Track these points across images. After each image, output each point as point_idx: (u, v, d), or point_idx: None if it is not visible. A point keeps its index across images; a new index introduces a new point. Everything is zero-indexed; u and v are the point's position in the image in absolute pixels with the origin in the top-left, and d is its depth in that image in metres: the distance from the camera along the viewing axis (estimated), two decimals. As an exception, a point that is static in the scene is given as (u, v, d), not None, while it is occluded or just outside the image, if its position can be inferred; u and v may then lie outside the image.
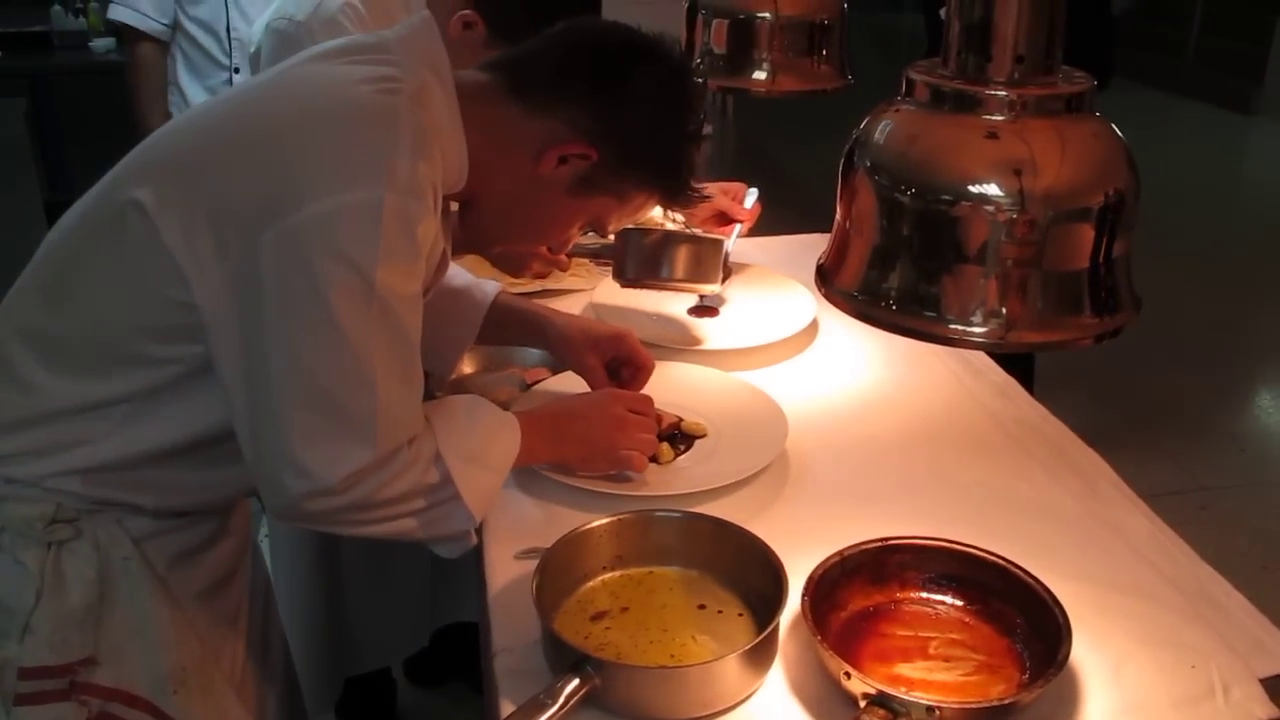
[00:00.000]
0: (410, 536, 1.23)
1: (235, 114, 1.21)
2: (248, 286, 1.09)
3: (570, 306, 1.97)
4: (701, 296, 1.92)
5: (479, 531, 1.38)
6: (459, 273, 1.60)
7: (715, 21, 1.55)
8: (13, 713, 1.20)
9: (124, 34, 3.00)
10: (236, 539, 1.41)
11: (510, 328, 1.62)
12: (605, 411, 1.43)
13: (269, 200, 1.08)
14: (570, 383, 1.64)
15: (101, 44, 5.46)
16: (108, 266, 1.16)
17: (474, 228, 1.33)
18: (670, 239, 1.80)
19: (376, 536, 1.21)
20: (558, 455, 1.41)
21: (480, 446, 1.26)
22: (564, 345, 1.59)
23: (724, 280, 1.79)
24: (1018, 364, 1.89)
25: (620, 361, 1.58)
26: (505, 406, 1.54)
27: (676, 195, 1.36)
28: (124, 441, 1.19)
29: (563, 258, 1.74)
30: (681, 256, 1.77)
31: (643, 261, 1.78)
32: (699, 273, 1.77)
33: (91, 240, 1.19)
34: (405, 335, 1.15)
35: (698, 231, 2.03)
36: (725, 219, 2.06)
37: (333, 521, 1.17)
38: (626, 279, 1.80)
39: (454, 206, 1.32)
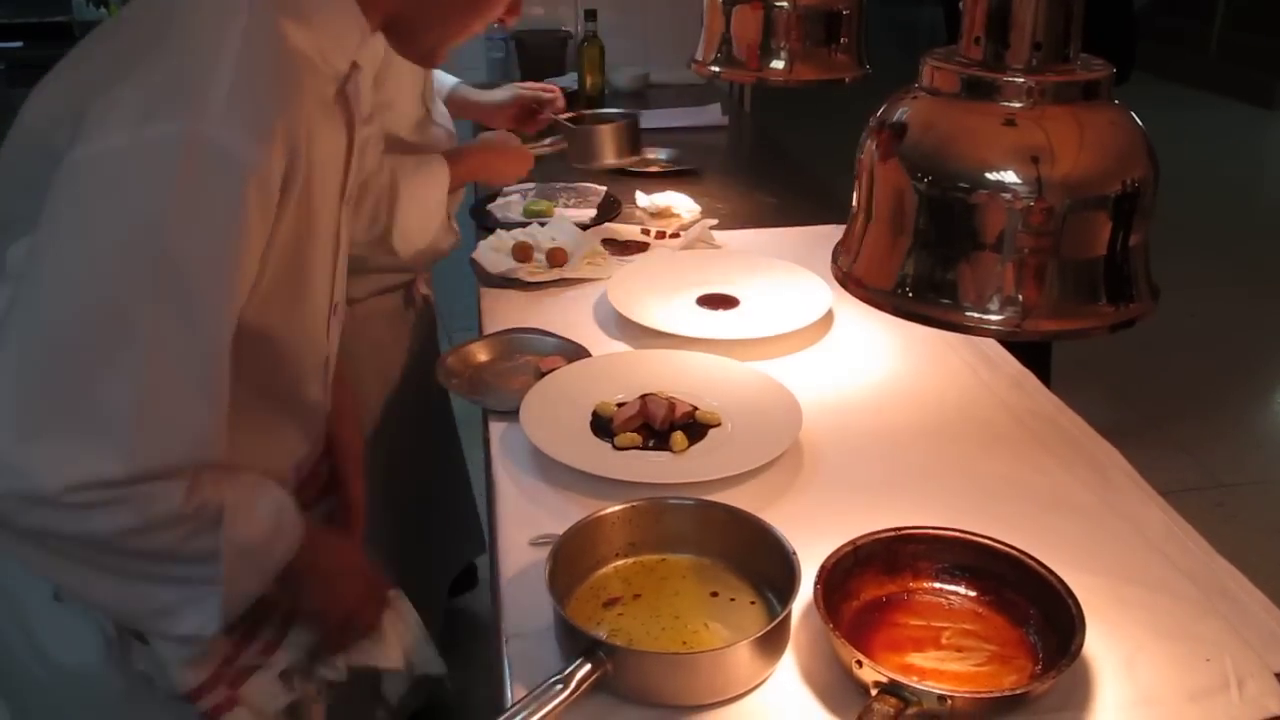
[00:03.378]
0: (133, 607, 1.03)
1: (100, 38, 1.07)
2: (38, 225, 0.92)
3: (586, 296, 1.97)
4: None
5: (492, 519, 1.39)
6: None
7: (733, 10, 1.54)
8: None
9: None
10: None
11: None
12: (350, 588, 1.28)
13: (72, 129, 0.92)
14: (589, 370, 1.64)
15: (122, 33, 5.47)
16: None
17: (410, 43, 1.16)
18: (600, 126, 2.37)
19: (96, 596, 1.02)
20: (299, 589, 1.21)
21: (265, 539, 1.07)
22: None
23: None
24: (1035, 357, 1.88)
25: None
26: (520, 394, 1.56)
27: None
28: None
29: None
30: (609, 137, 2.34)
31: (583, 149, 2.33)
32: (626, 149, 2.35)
33: None
34: (198, 320, 0.93)
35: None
36: (531, 111, 2.39)
37: (44, 541, 0.96)
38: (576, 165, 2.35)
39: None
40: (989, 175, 0.79)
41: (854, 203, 0.92)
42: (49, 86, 1.05)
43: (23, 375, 0.89)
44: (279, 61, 0.98)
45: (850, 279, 0.91)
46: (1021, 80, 0.81)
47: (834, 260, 0.94)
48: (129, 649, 1.17)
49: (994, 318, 0.81)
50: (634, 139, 2.36)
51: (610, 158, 2.36)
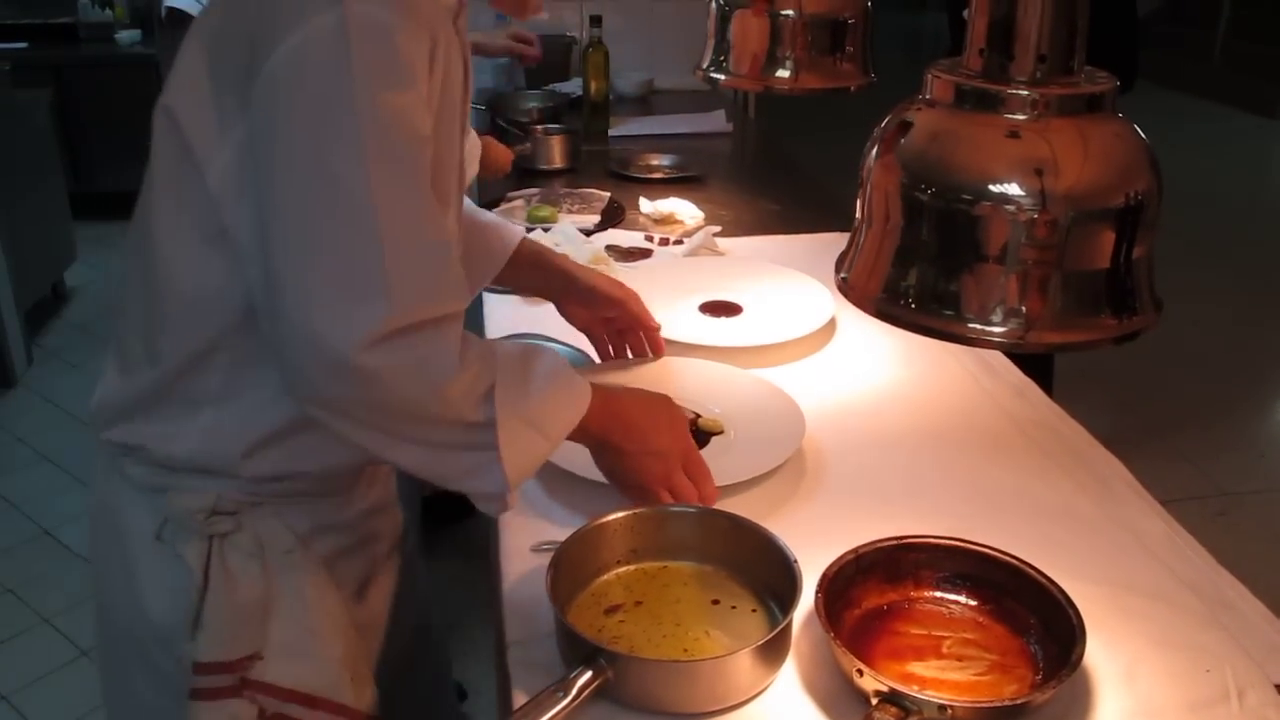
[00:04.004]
0: (439, 476, 1.11)
1: None
2: (249, 150, 1.03)
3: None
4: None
5: (494, 525, 1.39)
6: (483, 212, 1.62)
7: (738, 18, 1.54)
8: (189, 707, 1.18)
9: (167, 21, 2.98)
10: (387, 542, 1.38)
11: (529, 271, 1.60)
12: (670, 417, 1.33)
13: (251, 55, 1.01)
14: (592, 377, 1.64)
15: (127, 36, 5.50)
16: (163, 196, 1.12)
17: None
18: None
19: (406, 464, 1.09)
20: (607, 437, 1.28)
21: (540, 408, 1.13)
22: (574, 294, 1.62)
23: None
24: (1037, 367, 1.89)
25: (624, 325, 1.62)
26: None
27: None
28: (245, 403, 1.14)
29: None
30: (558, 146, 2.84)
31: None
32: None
33: (150, 177, 1.14)
34: (411, 167, 1.03)
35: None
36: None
37: (354, 415, 1.04)
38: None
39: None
40: (993, 187, 0.80)
41: (857, 213, 0.92)
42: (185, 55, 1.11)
43: (297, 265, 1.00)
44: None
45: (853, 289, 0.91)
46: (1025, 92, 0.81)
47: (837, 270, 0.95)
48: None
49: (997, 330, 0.81)
50: (576, 149, 2.88)
51: (558, 162, 2.83)
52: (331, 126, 0.98)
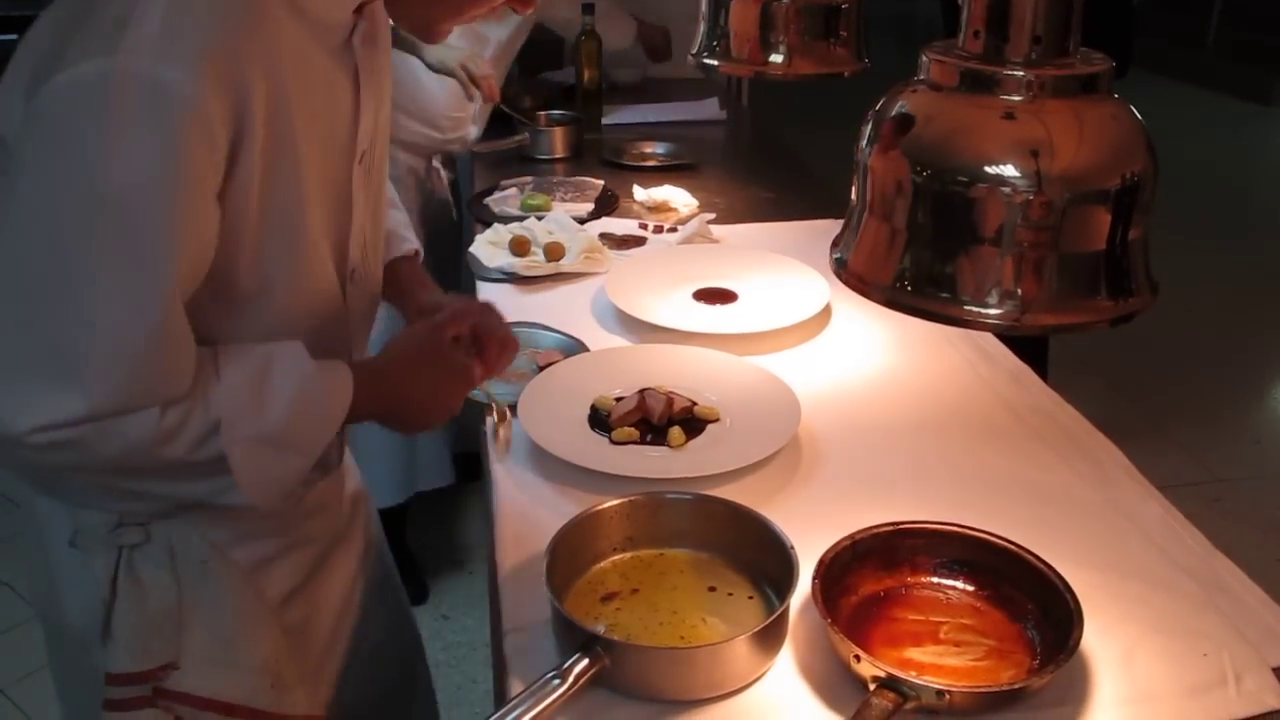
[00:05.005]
0: (185, 496, 1.08)
1: None
2: None
3: (584, 290, 1.97)
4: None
5: (490, 513, 1.39)
6: (393, 216, 1.48)
7: (732, 3, 1.53)
8: (103, 718, 1.16)
9: None
10: (323, 544, 1.33)
11: (390, 286, 1.41)
12: (436, 372, 1.23)
13: (31, 82, 0.92)
14: (587, 364, 1.64)
15: None
16: None
17: (406, 11, 1.16)
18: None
19: (152, 493, 1.07)
20: (384, 417, 1.22)
21: (283, 427, 1.05)
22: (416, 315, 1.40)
23: None
24: (1032, 353, 1.88)
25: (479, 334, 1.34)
26: (517, 389, 1.55)
27: None
28: None
29: None
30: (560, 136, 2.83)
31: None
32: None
33: None
34: (146, 258, 0.93)
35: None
36: None
37: (43, 472, 1.05)
38: None
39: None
40: (988, 169, 0.79)
41: (852, 196, 0.91)
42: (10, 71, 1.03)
43: None
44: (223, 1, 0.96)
45: (848, 273, 0.90)
46: (1021, 74, 0.81)
47: (832, 254, 0.94)
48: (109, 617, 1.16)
49: (993, 311, 0.81)
50: (579, 138, 2.86)
51: (560, 151, 2.81)
52: (69, 190, 0.90)
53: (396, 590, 1.56)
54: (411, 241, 1.48)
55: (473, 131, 2.70)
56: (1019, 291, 0.80)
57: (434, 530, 3.05)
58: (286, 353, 1.08)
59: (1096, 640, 1.14)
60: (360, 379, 1.13)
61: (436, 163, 2.73)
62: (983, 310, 0.81)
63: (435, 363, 1.24)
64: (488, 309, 1.35)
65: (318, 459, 1.11)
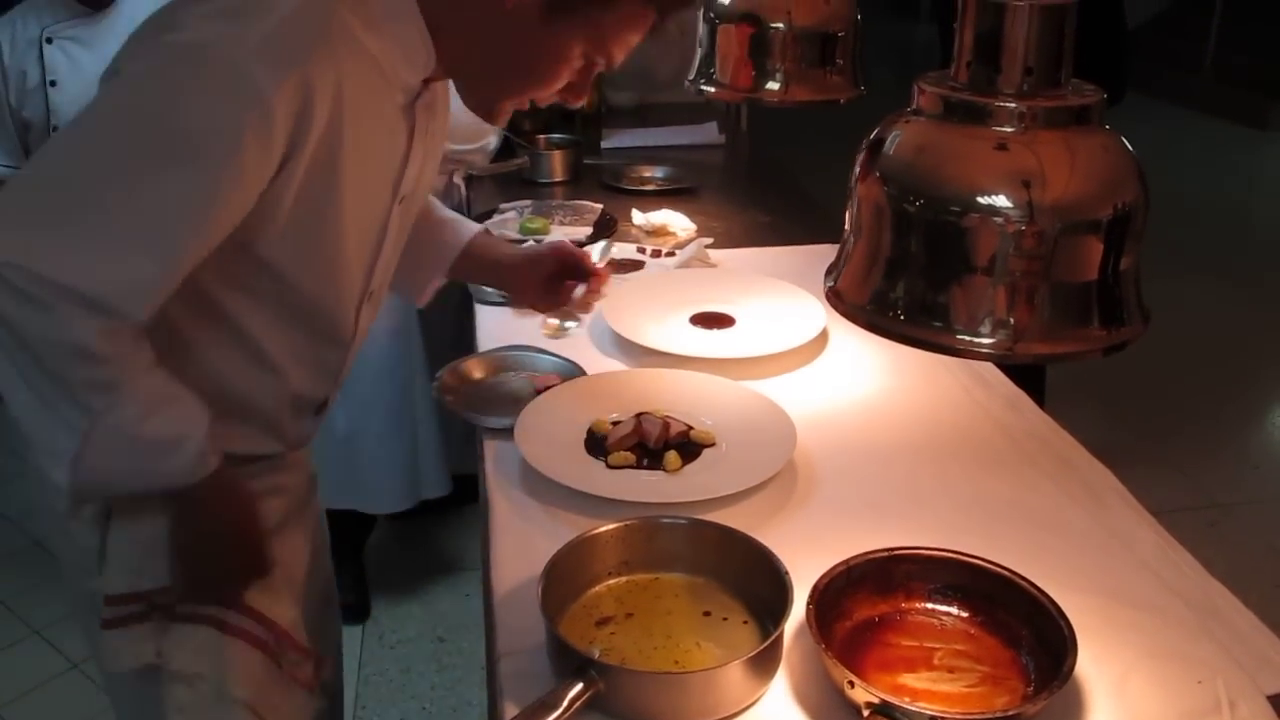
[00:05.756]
0: (30, 431, 1.15)
1: None
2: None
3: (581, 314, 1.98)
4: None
5: (486, 536, 1.39)
6: (442, 207, 1.69)
7: (729, 31, 1.55)
8: (102, 637, 1.25)
9: None
10: (292, 497, 1.42)
11: (474, 263, 1.66)
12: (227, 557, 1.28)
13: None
14: (584, 388, 1.65)
15: None
16: None
17: (471, 91, 1.28)
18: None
19: (9, 391, 1.13)
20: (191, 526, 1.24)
21: (151, 445, 1.14)
22: (510, 274, 1.68)
23: None
24: (1029, 378, 1.89)
25: (566, 273, 1.66)
26: (515, 412, 1.56)
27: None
28: None
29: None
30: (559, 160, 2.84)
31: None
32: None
33: None
34: (178, 194, 1.05)
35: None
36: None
37: None
38: None
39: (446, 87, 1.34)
40: (981, 199, 0.80)
41: (846, 225, 0.92)
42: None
43: (37, 172, 1.09)
44: (329, 33, 1.11)
45: (843, 300, 0.91)
46: (1013, 105, 0.82)
47: (827, 281, 0.95)
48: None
49: (985, 341, 0.82)
50: (578, 161, 2.88)
51: (559, 175, 2.82)
52: (145, 113, 1.06)
53: (330, 582, 1.61)
54: (475, 225, 1.70)
55: (493, 141, 2.69)
56: (1012, 321, 0.81)
57: (430, 553, 3.05)
58: (201, 414, 1.17)
59: (1091, 666, 1.14)
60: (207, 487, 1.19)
61: (458, 178, 2.73)
62: (976, 339, 0.82)
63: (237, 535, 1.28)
64: (567, 249, 1.66)
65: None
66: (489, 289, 2.01)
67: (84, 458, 1.10)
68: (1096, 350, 0.84)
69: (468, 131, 2.61)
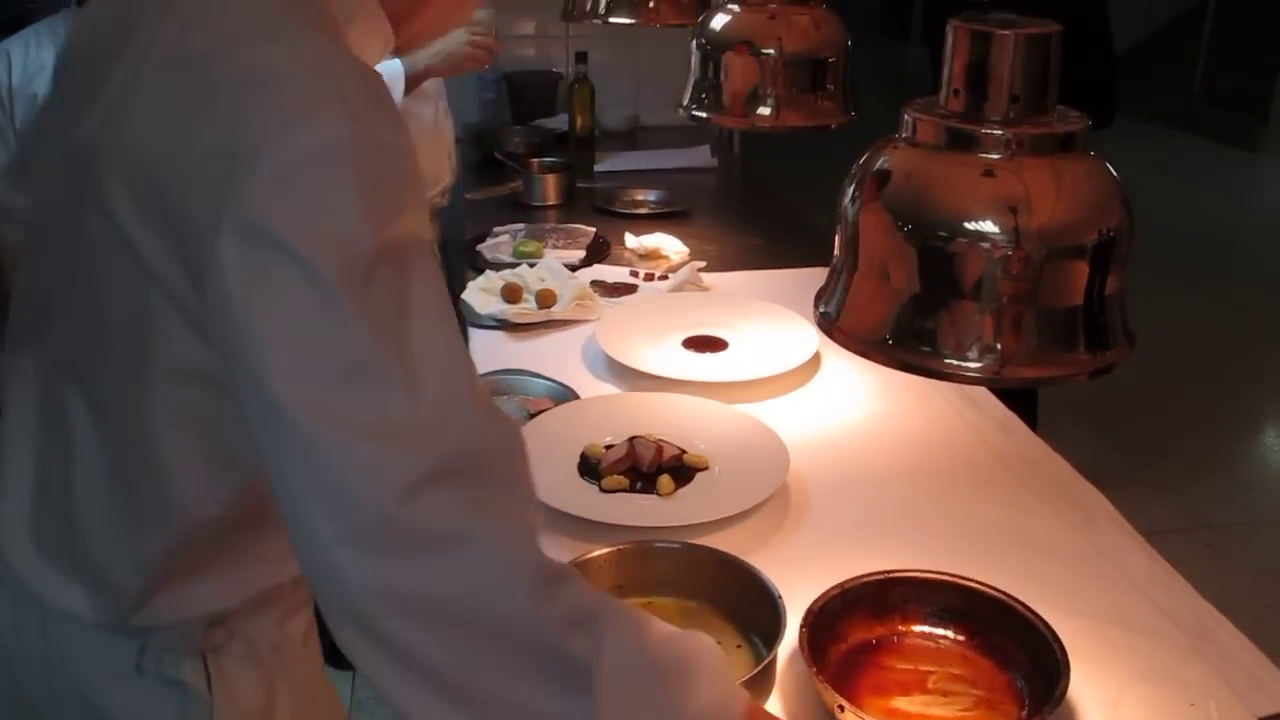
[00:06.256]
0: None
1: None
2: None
3: (575, 337, 1.98)
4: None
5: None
6: None
7: (721, 56, 1.56)
8: None
9: None
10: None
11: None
12: None
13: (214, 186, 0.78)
14: (577, 411, 1.65)
15: None
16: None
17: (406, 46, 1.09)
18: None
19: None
20: None
21: (663, 678, 0.82)
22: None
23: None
24: (1022, 400, 1.90)
25: None
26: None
27: None
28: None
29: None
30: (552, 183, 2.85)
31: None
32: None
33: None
34: (433, 294, 0.81)
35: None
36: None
37: (410, 617, 0.75)
38: None
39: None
40: (968, 225, 0.81)
41: (836, 250, 0.93)
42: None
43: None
44: (355, 59, 0.88)
45: (832, 326, 0.92)
46: (1000, 132, 0.83)
47: (816, 306, 0.95)
48: None
49: (973, 365, 0.82)
50: (571, 185, 2.87)
51: (552, 198, 2.82)
52: (340, 264, 0.76)
53: None
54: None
55: (449, 181, 2.60)
56: (999, 345, 0.82)
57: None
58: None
59: (1084, 688, 1.14)
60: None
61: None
62: (963, 363, 0.82)
63: None
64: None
65: None
66: (484, 315, 2.02)
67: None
68: (1082, 374, 0.85)
69: (425, 178, 2.55)
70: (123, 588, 1.00)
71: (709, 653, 0.88)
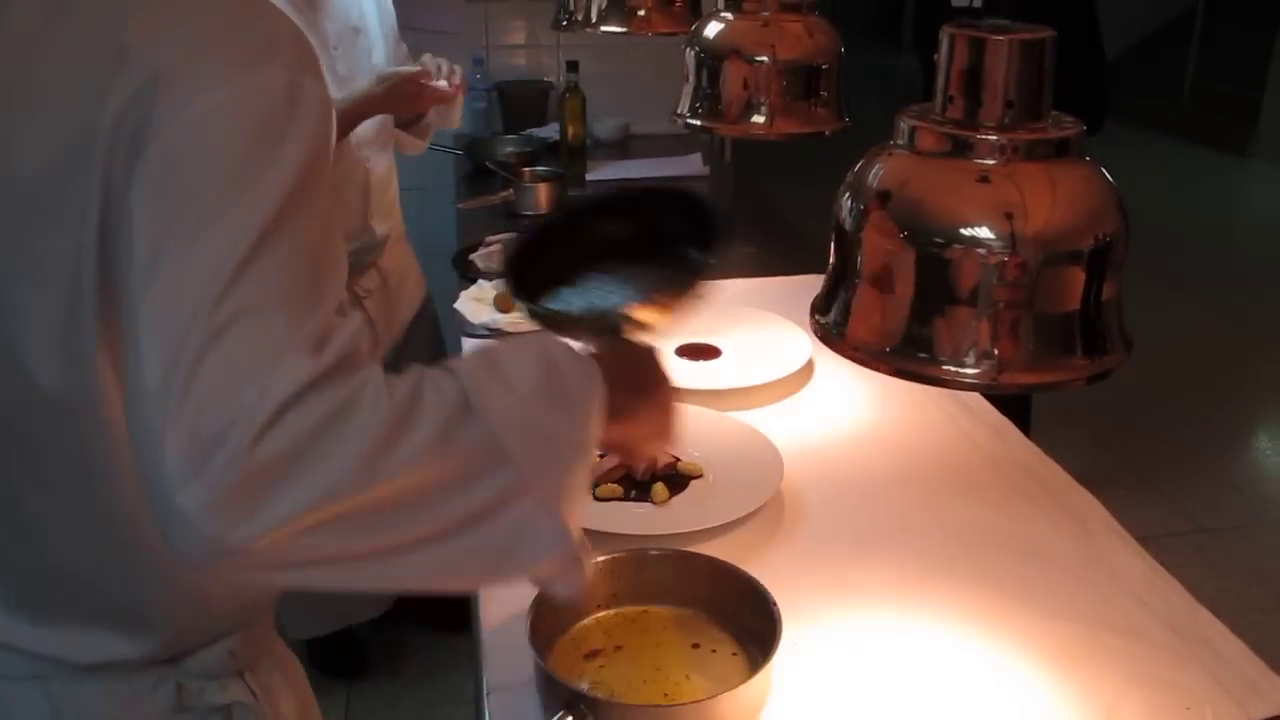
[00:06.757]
0: (468, 569, 0.82)
1: None
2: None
3: (568, 345, 1.98)
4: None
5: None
6: None
7: (714, 64, 1.56)
8: None
9: None
10: None
11: None
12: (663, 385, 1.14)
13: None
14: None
15: None
16: None
17: None
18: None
19: (418, 575, 0.79)
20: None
21: (537, 383, 0.83)
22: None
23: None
24: (1015, 406, 1.90)
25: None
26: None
27: None
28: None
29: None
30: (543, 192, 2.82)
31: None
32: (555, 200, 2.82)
33: None
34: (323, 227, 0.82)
35: None
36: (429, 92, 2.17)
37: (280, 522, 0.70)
38: None
39: None
40: (964, 231, 0.81)
41: (831, 257, 0.93)
42: None
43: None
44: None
45: (827, 333, 0.92)
46: (994, 138, 0.83)
47: (812, 314, 0.95)
48: None
49: (970, 371, 0.82)
50: (563, 194, 2.84)
51: (544, 207, 2.80)
52: (253, 184, 0.77)
53: None
54: None
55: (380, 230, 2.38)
56: (995, 351, 0.82)
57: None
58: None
59: (1079, 694, 1.14)
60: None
61: None
62: (960, 370, 0.82)
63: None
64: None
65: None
66: (477, 324, 2.01)
67: (547, 491, 0.82)
68: (1080, 379, 0.85)
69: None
70: (146, 615, 1.02)
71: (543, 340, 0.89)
